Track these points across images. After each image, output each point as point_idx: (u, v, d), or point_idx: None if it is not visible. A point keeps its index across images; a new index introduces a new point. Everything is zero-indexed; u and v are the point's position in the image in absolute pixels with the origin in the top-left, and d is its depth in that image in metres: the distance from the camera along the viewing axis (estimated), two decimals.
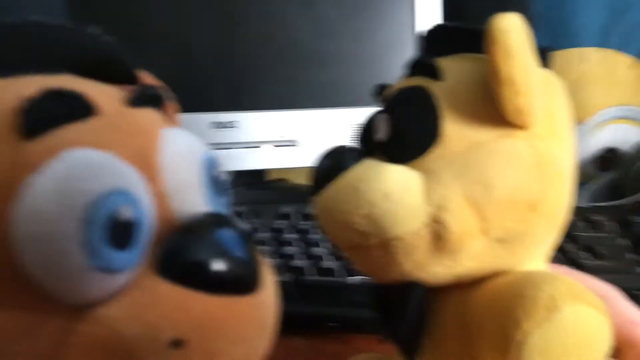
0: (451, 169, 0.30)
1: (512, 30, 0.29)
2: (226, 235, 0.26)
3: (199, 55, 0.77)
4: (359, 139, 0.35)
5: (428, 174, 0.31)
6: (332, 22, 0.78)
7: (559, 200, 0.32)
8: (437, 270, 0.31)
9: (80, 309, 0.24)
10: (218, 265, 0.25)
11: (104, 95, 0.27)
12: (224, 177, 0.31)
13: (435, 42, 0.35)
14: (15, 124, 0.24)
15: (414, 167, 0.31)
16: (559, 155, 0.32)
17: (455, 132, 0.31)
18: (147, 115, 0.28)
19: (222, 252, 0.25)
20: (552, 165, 0.31)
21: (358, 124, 0.35)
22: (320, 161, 0.33)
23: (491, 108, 0.30)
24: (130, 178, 0.25)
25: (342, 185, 0.31)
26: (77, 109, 0.26)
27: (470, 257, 0.31)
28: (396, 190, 0.30)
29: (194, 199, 0.28)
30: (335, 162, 0.32)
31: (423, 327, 0.33)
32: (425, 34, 0.36)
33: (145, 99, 0.29)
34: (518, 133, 0.31)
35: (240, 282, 0.25)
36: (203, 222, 0.26)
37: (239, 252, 0.26)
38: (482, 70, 0.31)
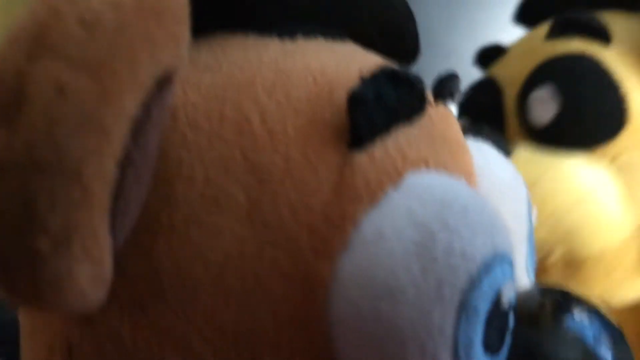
0: None
1: None
2: (576, 322, 0.21)
3: None
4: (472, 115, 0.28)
5: (622, 169, 0.25)
6: None
7: None
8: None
9: None
10: None
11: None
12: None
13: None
14: (340, 125, 0.20)
15: (595, 159, 0.25)
16: None
17: None
18: (448, 116, 0.24)
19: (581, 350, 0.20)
20: None
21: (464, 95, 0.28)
22: None
23: None
24: (502, 231, 0.20)
25: None
26: (417, 104, 0.21)
27: None
28: (591, 193, 0.24)
29: (518, 256, 0.23)
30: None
31: None
32: None
33: (446, 93, 0.24)
34: None
35: None
36: (548, 306, 0.22)
37: (598, 346, 0.21)
38: None
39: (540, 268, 0.26)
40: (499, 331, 0.20)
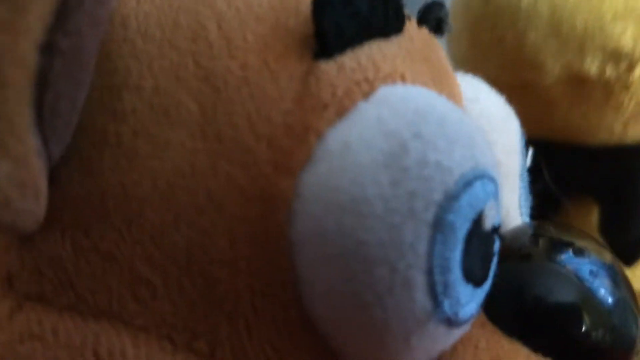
0: None
1: None
2: (571, 257, 0.20)
3: None
4: None
5: None
6: None
7: None
8: None
9: None
10: None
11: None
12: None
13: None
14: (305, 34, 0.18)
15: None
16: None
17: None
18: (433, 43, 0.22)
19: None
20: None
21: None
22: None
23: None
24: (485, 147, 0.18)
25: None
26: (392, 17, 0.20)
27: None
28: None
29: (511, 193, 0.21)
30: None
31: None
32: None
33: (429, 17, 0.23)
34: None
35: None
36: (542, 240, 0.21)
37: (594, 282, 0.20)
38: None
39: (620, 85, 0.26)
40: (481, 258, 0.18)
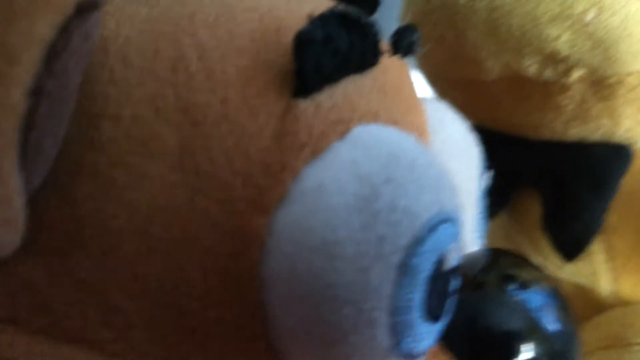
0: None
1: None
2: (520, 289, 0.21)
3: None
4: None
5: None
6: None
7: None
8: None
9: None
10: None
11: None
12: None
13: None
14: (285, 69, 0.18)
15: None
16: None
17: None
18: (404, 71, 0.23)
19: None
20: None
21: None
22: None
23: None
24: (449, 189, 0.19)
25: None
26: (369, 52, 0.20)
27: None
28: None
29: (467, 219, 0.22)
30: None
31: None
32: None
33: (402, 43, 0.23)
34: None
35: None
36: (494, 271, 0.21)
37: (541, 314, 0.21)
38: None
39: (558, 87, 0.26)
40: (440, 296, 0.19)
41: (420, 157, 0.19)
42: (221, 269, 0.18)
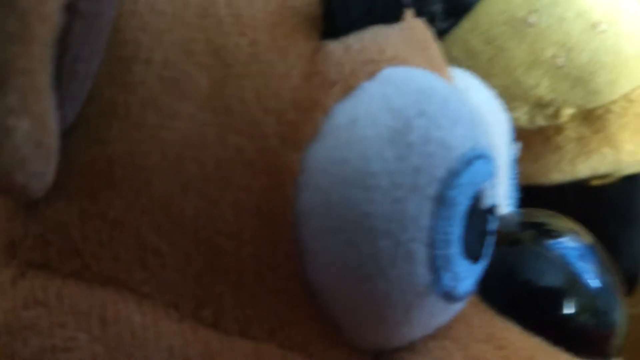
0: None
1: None
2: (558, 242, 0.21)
3: None
4: None
5: None
6: None
7: None
8: None
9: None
10: None
11: None
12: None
13: None
14: (312, 14, 0.19)
15: None
16: None
17: None
18: (429, 35, 0.23)
19: None
20: None
21: None
22: None
23: None
24: (483, 129, 0.19)
25: None
26: (394, 5, 0.20)
27: None
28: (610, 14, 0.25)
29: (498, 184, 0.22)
30: None
31: None
32: None
33: (424, 10, 0.24)
34: None
35: None
36: (530, 227, 0.21)
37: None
38: None
39: (553, 130, 0.27)
40: (478, 235, 0.19)
41: (452, 95, 0.19)
42: (255, 206, 0.18)
